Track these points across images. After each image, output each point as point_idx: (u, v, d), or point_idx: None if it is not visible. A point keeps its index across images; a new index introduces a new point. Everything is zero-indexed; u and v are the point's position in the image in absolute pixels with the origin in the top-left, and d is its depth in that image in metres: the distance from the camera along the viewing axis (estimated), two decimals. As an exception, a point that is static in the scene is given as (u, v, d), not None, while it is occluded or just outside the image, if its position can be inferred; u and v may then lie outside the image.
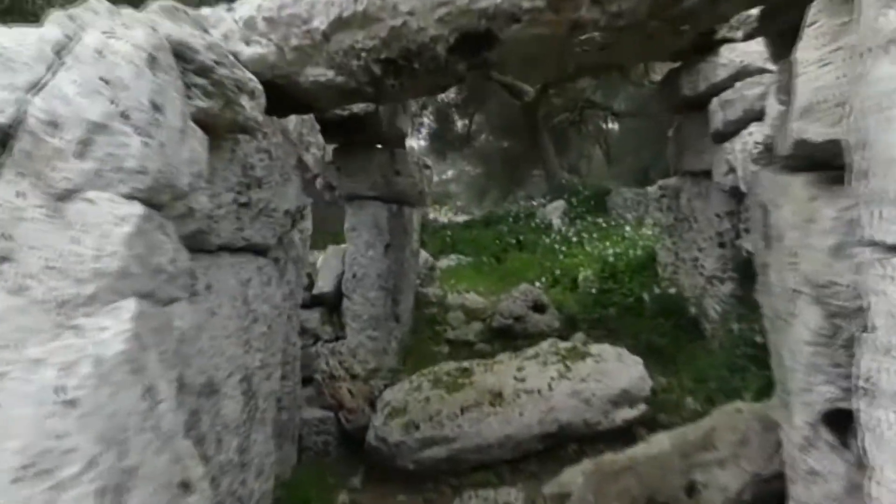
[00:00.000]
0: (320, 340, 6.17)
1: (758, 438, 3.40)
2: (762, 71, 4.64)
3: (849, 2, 1.78)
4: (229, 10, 2.77)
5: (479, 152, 24.41)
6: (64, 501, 1.56)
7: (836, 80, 1.86)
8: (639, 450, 3.80)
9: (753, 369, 4.67)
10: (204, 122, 2.23)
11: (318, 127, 4.65)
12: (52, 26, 1.97)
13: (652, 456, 3.64)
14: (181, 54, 2.12)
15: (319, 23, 2.67)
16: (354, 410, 5.19)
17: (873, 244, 1.53)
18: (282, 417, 4.30)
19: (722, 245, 5.46)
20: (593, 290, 7.76)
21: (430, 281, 8.56)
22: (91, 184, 1.82)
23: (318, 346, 6.00)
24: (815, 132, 1.93)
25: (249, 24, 2.70)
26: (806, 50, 1.97)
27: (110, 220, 1.81)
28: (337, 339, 6.22)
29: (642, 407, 4.79)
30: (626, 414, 4.73)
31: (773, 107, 3.78)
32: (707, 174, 5.48)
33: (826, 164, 2.14)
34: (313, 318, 6.32)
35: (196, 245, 2.49)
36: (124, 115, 1.84)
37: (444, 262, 10.59)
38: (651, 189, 8.64)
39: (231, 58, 2.39)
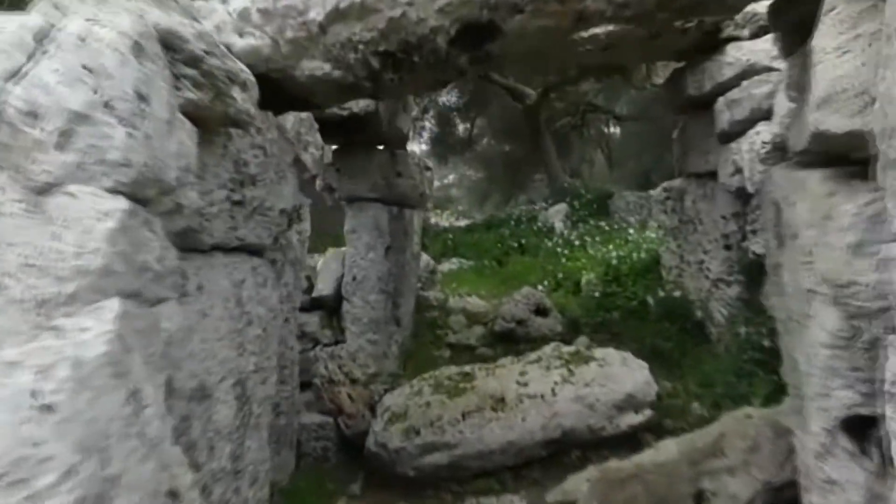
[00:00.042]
0: (319, 344, 6.09)
1: (769, 445, 3.31)
2: (769, 69, 4.55)
3: (870, -14, 1.70)
4: (222, 0, 2.68)
5: (480, 156, 24.36)
6: (40, 512, 1.47)
7: (856, 69, 1.77)
8: (645, 457, 3.71)
9: (761, 374, 4.59)
10: (193, 114, 2.14)
11: (316, 126, 4.57)
12: (35, 13, 1.88)
13: (659, 463, 3.55)
14: (169, 43, 2.03)
15: (316, 14, 2.59)
16: (354, 415, 5.11)
17: (901, 239, 1.43)
18: (279, 423, 4.22)
19: (728, 247, 5.37)
20: (596, 294, 7.67)
21: (432, 284, 8.48)
22: (72, 177, 1.73)
23: (317, 350, 5.92)
24: (835, 123, 1.83)
25: (243, 15, 2.62)
26: (824, 38, 1.88)
27: (92, 214, 1.72)
28: (336, 342, 6.14)
29: (648, 412, 4.71)
30: (631, 419, 4.66)
31: (781, 104, 3.70)
32: (712, 175, 5.39)
33: (843, 158, 2.06)
34: (312, 321, 6.24)
35: (187, 244, 2.40)
36: (107, 105, 1.74)
37: (446, 266, 10.52)
38: (654, 192, 8.56)
39: (222, 48, 2.30)
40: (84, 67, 1.74)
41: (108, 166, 1.75)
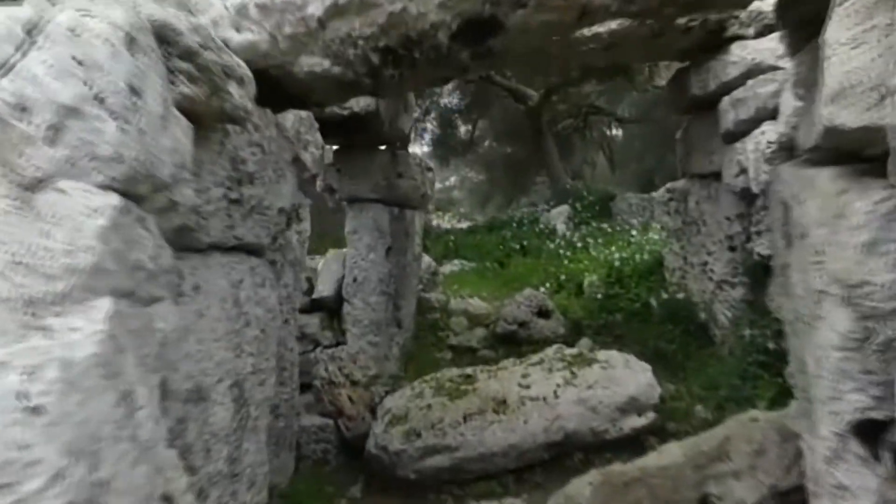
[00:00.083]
0: (320, 346, 6.05)
1: (775, 449, 3.25)
2: (775, 68, 4.49)
3: (884, -24, 1.64)
4: (220, -5, 2.64)
5: (482, 158, 24.33)
6: (26, 518, 1.42)
7: (871, 61, 1.71)
8: (649, 460, 3.65)
9: (766, 377, 4.55)
10: (189, 110, 2.08)
11: (316, 125, 4.52)
12: (26, 5, 1.83)
13: (663, 467, 3.49)
14: (164, 37, 1.98)
15: (314, 9, 2.54)
16: (354, 418, 5.07)
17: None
18: (279, 425, 4.17)
19: (732, 248, 5.31)
20: (599, 296, 7.62)
21: (433, 286, 8.44)
22: (63, 172, 1.68)
23: (318, 352, 5.88)
24: (848, 118, 1.77)
25: (241, 9, 2.57)
26: (837, 30, 1.82)
27: (83, 211, 1.67)
28: (337, 344, 6.10)
29: (651, 415, 4.66)
30: (634, 422, 4.61)
31: (788, 103, 3.64)
32: (716, 176, 5.34)
33: (854, 155, 2.00)
34: (313, 323, 6.20)
35: (183, 243, 2.35)
36: (99, 99, 1.69)
37: (448, 268, 10.49)
38: (656, 194, 8.51)
39: (218, 42, 2.24)
40: (74, 60, 1.69)
41: (100, 161, 1.70)
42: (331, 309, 6.31)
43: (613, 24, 3.41)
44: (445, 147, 22.10)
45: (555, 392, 4.70)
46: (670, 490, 3.35)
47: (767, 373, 4.55)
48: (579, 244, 10.80)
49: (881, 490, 1.97)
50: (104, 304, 1.70)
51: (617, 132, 22.90)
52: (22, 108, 1.64)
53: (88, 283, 1.67)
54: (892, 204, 1.76)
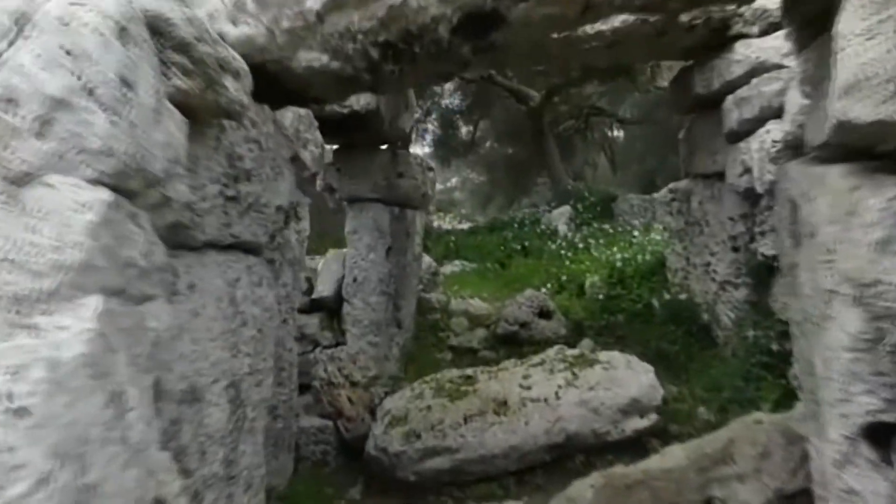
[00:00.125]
0: (319, 346, 6.00)
1: (780, 452, 3.20)
2: (779, 66, 4.45)
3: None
4: (216, -13, 2.58)
5: (483, 159, 24.30)
6: (10, 524, 1.37)
7: (885, 53, 1.66)
8: (652, 463, 3.60)
9: (770, 378, 4.51)
10: (183, 103, 2.03)
11: (315, 124, 4.48)
12: (16, -5, 1.78)
13: (666, 469, 3.44)
14: (157, 28, 1.93)
15: (313, 3, 2.49)
16: (354, 419, 5.02)
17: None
18: (277, 426, 4.12)
19: (735, 249, 5.26)
20: (601, 296, 7.57)
21: (434, 286, 8.40)
22: (51, 166, 1.62)
23: (317, 352, 5.83)
24: (861, 112, 1.72)
25: (238, 3, 2.52)
26: (849, 22, 1.77)
27: (72, 206, 1.61)
28: (337, 344, 6.06)
29: (653, 417, 4.61)
30: (636, 424, 4.56)
31: (794, 101, 3.59)
32: (720, 176, 5.29)
33: (865, 152, 1.95)
34: (312, 323, 6.16)
35: (178, 240, 2.30)
36: (88, 90, 1.64)
37: (448, 268, 10.45)
38: (658, 194, 8.46)
39: (213, 34, 2.19)
40: (63, 50, 1.64)
41: (89, 155, 1.64)
42: (330, 309, 6.28)
43: (617, 22, 3.36)
44: (447, 148, 22.07)
45: (556, 393, 4.65)
46: (673, 493, 3.30)
47: (771, 374, 4.51)
48: (581, 245, 10.75)
49: (893, 495, 1.92)
50: (93, 302, 1.64)
51: (618, 133, 22.87)
52: (8, 100, 1.59)
53: (77, 280, 1.62)
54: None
